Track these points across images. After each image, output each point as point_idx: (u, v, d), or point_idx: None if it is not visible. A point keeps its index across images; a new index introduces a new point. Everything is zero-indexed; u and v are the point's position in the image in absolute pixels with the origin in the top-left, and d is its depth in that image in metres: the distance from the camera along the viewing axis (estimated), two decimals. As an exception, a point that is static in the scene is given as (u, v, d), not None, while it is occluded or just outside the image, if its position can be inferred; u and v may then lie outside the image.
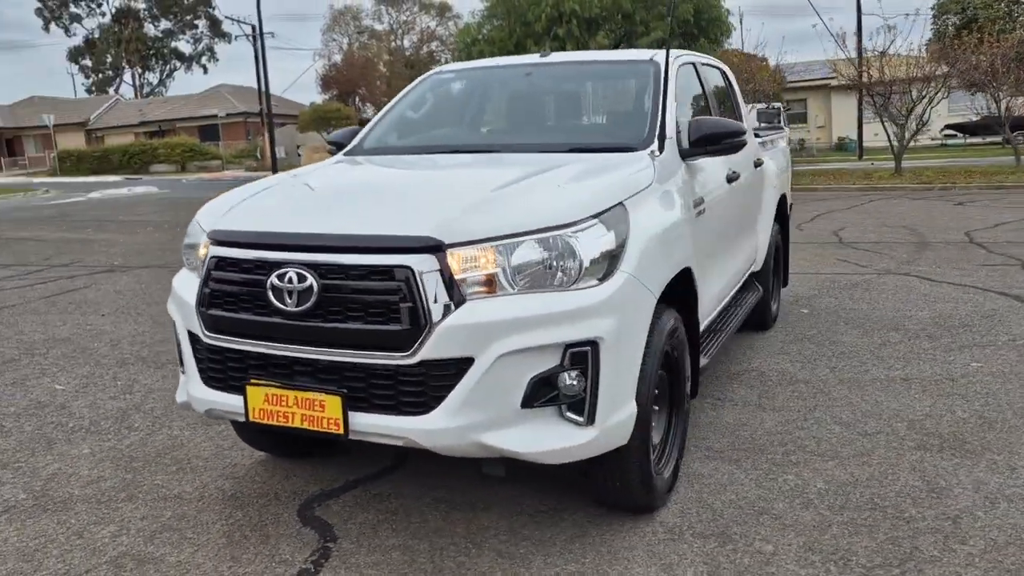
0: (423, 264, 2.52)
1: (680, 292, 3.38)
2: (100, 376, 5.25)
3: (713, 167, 3.98)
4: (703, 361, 3.82)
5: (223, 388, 2.84)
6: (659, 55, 4.04)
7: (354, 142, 4.18)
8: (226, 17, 66.88)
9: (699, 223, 3.64)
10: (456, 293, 2.52)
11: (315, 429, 2.65)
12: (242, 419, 2.78)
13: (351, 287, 2.57)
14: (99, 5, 68.75)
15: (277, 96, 47.33)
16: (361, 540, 3.03)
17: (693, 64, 4.40)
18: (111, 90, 67.25)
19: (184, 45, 71.55)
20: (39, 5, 67.11)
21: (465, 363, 2.51)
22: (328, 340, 2.61)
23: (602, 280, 2.67)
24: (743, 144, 3.73)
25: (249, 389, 2.73)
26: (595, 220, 2.72)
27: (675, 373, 3.32)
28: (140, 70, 70.67)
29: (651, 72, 3.88)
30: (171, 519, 3.22)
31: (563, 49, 26.36)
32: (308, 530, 3.12)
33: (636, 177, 3.12)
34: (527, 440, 2.58)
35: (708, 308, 3.91)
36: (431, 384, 2.54)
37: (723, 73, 5.15)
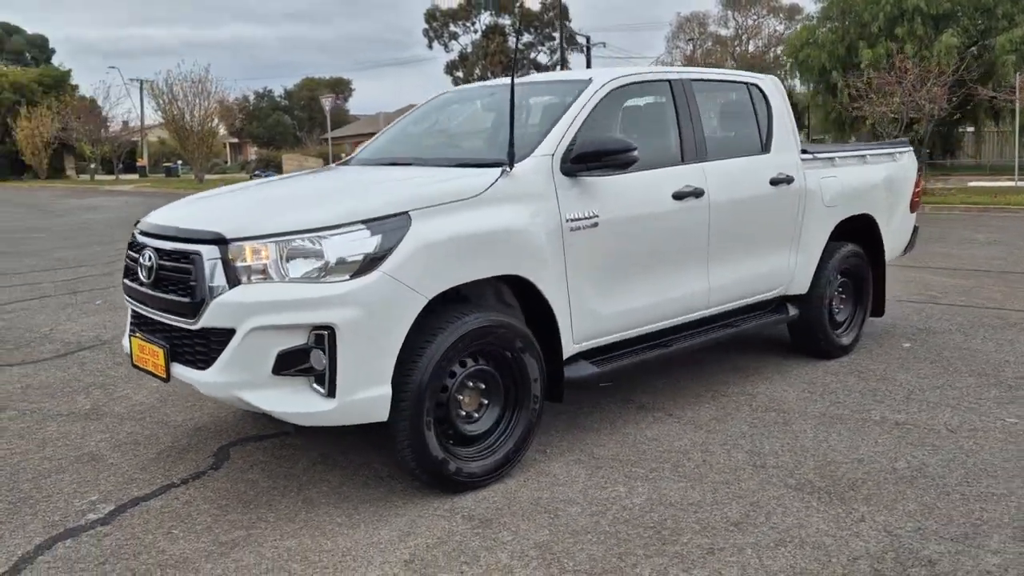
0: (209, 253, 3.22)
1: (533, 299, 3.67)
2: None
3: (634, 183, 4.08)
4: (592, 369, 3.98)
5: (130, 338, 3.79)
6: (599, 74, 4.24)
7: (354, 152, 4.93)
8: (572, 31, 70.80)
9: (584, 237, 3.82)
10: (233, 277, 3.18)
11: (155, 373, 3.49)
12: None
13: (169, 266, 3.37)
14: (472, 23, 76.81)
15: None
16: (233, 472, 3.81)
17: (640, 83, 4.46)
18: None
19: (542, 56, 77.25)
20: (426, 26, 76.81)
21: (230, 333, 3.16)
22: (159, 305, 3.43)
23: (353, 276, 3.14)
24: (630, 161, 3.82)
25: (133, 340, 3.65)
26: (361, 225, 3.20)
27: (508, 372, 3.61)
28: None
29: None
30: (131, 435, 4.28)
31: (901, 51, 24.29)
32: (211, 458, 3.97)
33: (450, 188, 3.49)
34: (278, 401, 3.17)
35: (610, 321, 4.04)
36: (210, 346, 3.23)
37: (752, 89, 5.02)
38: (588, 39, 38.06)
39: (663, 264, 4.28)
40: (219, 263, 3.20)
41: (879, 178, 5.75)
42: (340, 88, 67.95)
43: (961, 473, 3.64)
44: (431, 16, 75.62)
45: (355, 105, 78.71)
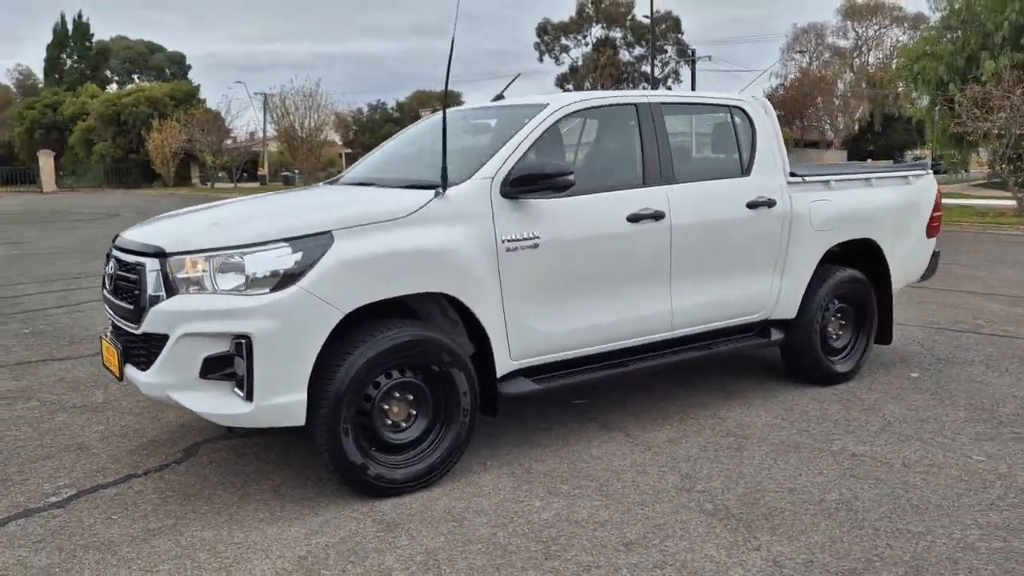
0: (152, 265, 3.54)
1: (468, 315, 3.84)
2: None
3: (581, 205, 4.17)
4: (532, 386, 4.10)
5: (101, 340, 4.17)
6: (555, 100, 4.36)
7: (342, 173, 5.21)
8: (684, 44, 69.87)
9: (523, 257, 3.95)
10: (170, 288, 3.49)
11: (113, 372, 3.84)
12: (106, 363, 4.09)
13: (123, 276, 3.71)
14: (584, 37, 77.05)
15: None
16: (194, 467, 4.13)
17: (598, 108, 4.53)
18: (584, 112, 75.03)
19: (651, 69, 76.60)
20: (537, 40, 77.58)
21: (165, 338, 3.47)
22: (116, 311, 3.78)
23: (273, 290, 3.39)
24: (566, 184, 3.93)
25: (103, 341, 4.03)
26: (283, 243, 3.45)
27: (438, 385, 3.78)
28: (621, 93, 77.80)
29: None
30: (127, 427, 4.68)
31: (1025, 64, 22.93)
32: (180, 452, 4.31)
33: (378, 210, 3.69)
34: (204, 402, 3.45)
35: (554, 340, 4.14)
36: (150, 349, 3.54)
37: (736, 112, 5.01)
38: (693, 52, 37.54)
39: (616, 285, 4.33)
40: (159, 274, 3.52)
41: (886, 202, 5.58)
42: (450, 101, 69.45)
43: (889, 508, 3.54)
44: (542, 30, 76.40)
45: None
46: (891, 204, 5.61)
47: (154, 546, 3.28)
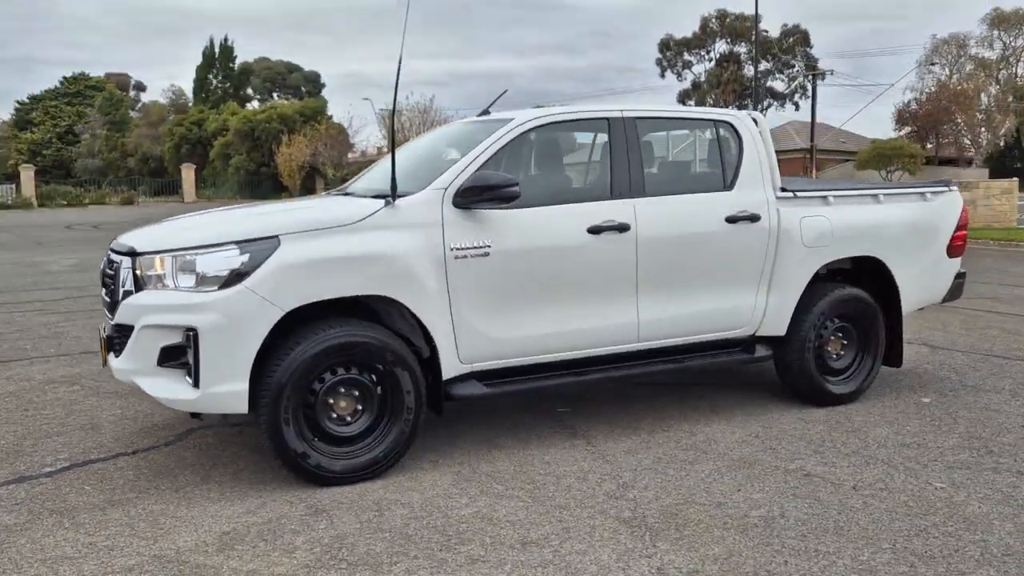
0: (126, 263, 3.94)
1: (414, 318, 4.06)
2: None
3: (536, 216, 4.31)
4: (482, 389, 4.26)
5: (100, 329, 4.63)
6: (520, 115, 4.53)
7: (349, 183, 5.52)
8: (812, 59, 67.65)
9: (472, 265, 4.13)
10: (139, 284, 3.88)
11: (102, 359, 4.27)
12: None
13: (106, 273, 4.14)
14: (707, 52, 75.84)
15: (847, 132, 46.84)
16: (177, 449, 4.53)
17: (564, 123, 4.64)
18: (706, 127, 73.86)
19: (779, 84, 74.53)
20: (659, 56, 76.97)
21: (130, 328, 3.86)
22: (105, 304, 4.21)
23: (221, 288, 3.72)
24: (512, 196, 4.08)
25: (100, 330, 4.49)
26: (233, 246, 3.77)
27: (383, 384, 4.01)
28: (735, 108, 76.20)
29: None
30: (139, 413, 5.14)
31: None
32: (173, 436, 4.72)
33: (327, 216, 3.97)
34: (160, 388, 3.80)
35: (506, 345, 4.28)
36: (122, 339, 3.94)
37: (722, 127, 5.00)
38: (815, 66, 36.31)
39: (574, 294, 4.43)
40: (130, 272, 3.92)
41: (895, 219, 5.40)
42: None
43: (810, 528, 3.49)
44: (664, 46, 75.73)
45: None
46: (901, 222, 5.42)
47: (107, 515, 3.66)
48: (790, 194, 5.06)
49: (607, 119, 4.66)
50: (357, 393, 4.01)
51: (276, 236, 3.83)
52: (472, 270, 4.14)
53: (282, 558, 3.24)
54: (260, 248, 3.78)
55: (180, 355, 3.77)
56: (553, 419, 5.02)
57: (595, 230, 4.43)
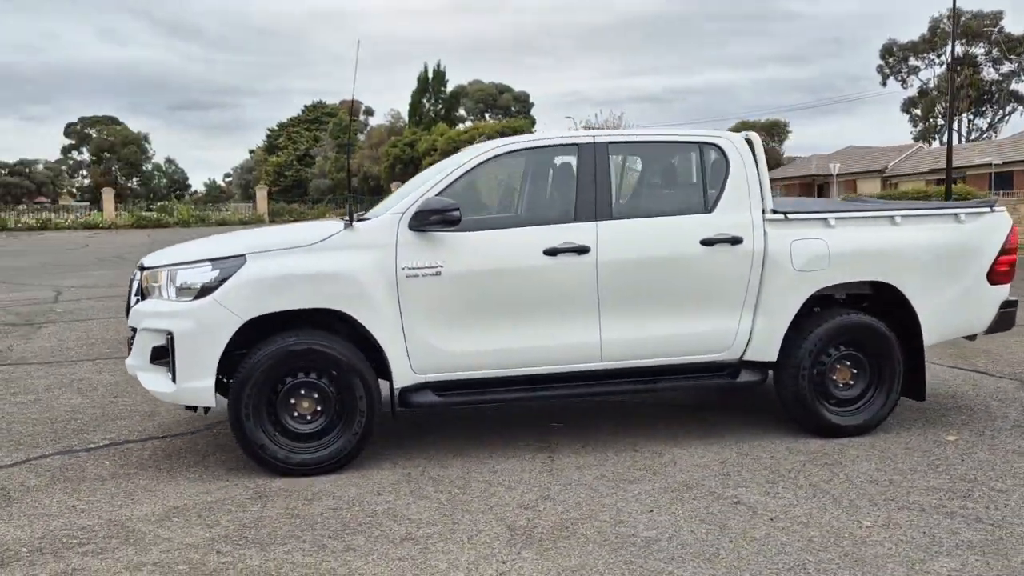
0: (138, 276, 4.70)
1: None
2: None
3: (490, 239, 4.60)
4: (434, 399, 4.61)
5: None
6: (487, 145, 4.83)
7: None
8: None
9: (423, 283, 4.50)
10: (144, 293, 4.62)
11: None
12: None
13: (130, 284, 4.92)
14: (938, 55, 69.92)
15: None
16: (178, 442, 5.26)
17: (529, 150, 4.84)
18: (936, 137, 68.07)
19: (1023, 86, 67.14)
20: (880, 63, 72.01)
21: (135, 331, 4.60)
22: (125, 310, 5.00)
23: (195, 298, 4.35)
24: (454, 220, 4.39)
25: (139, 332, 5.31)
26: (207, 262, 4.40)
27: (340, 389, 4.48)
28: (971, 115, 69.49)
29: None
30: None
31: None
32: (204, 426, 5.47)
33: (291, 238, 4.50)
34: (151, 382, 4.49)
35: (460, 359, 4.59)
36: (132, 339, 4.70)
37: (706, 149, 4.99)
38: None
39: (530, 313, 4.64)
40: (139, 283, 4.67)
41: (915, 243, 5.06)
42: (776, 131, 67.22)
43: (687, 552, 3.49)
44: (887, 51, 70.76)
45: (794, 147, 76.99)
46: (924, 245, 5.07)
47: (104, 485, 4.39)
48: (781, 216, 4.94)
49: (576, 144, 4.83)
50: (316, 395, 4.49)
51: (243, 255, 4.41)
52: (424, 288, 4.50)
53: (200, 531, 3.78)
54: (228, 265, 4.39)
55: (165, 354, 4.45)
56: (536, 433, 5.22)
57: (552, 252, 4.62)
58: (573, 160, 4.82)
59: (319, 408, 4.51)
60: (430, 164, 52.00)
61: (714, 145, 5.00)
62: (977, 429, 5.19)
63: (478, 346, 4.61)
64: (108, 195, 47.77)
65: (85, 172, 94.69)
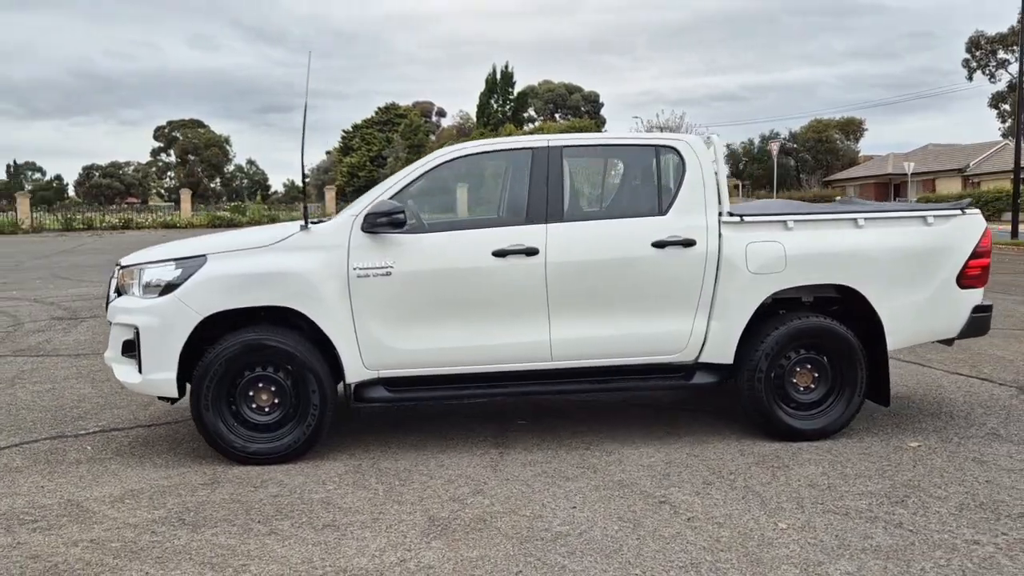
0: (116, 273, 5.02)
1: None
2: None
3: (440, 241, 4.75)
4: (385, 393, 4.79)
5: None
6: (444, 150, 4.97)
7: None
8: None
9: (374, 283, 4.68)
10: (120, 291, 4.94)
11: (111, 355, 5.39)
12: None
13: (110, 281, 5.25)
14: (1029, 47, 66.78)
15: None
16: (162, 429, 5.57)
17: (481, 155, 4.96)
18: None
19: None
20: (966, 56, 69.20)
21: (111, 325, 4.92)
22: (105, 305, 5.34)
23: (160, 295, 4.64)
24: (399, 222, 4.57)
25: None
26: (171, 262, 4.69)
27: (295, 383, 4.70)
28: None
29: None
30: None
31: None
32: (175, 419, 5.78)
33: (251, 239, 4.74)
34: (122, 373, 4.79)
35: (410, 356, 4.76)
36: (109, 333, 5.02)
37: (663, 152, 5.04)
38: None
39: (479, 313, 4.77)
40: (116, 281, 4.99)
41: (878, 246, 5.00)
42: (851, 128, 65.24)
43: (590, 547, 3.57)
44: (974, 44, 67.90)
45: (873, 145, 74.69)
46: (887, 248, 5.00)
47: (77, 469, 4.72)
48: (737, 219, 4.94)
49: (531, 149, 4.94)
50: (274, 389, 4.73)
51: (204, 255, 4.68)
52: (374, 288, 4.68)
53: (145, 512, 4.05)
54: (190, 265, 4.66)
55: (133, 348, 4.75)
56: (497, 430, 5.35)
57: (501, 253, 4.75)
58: (527, 165, 4.93)
59: (276, 401, 4.74)
60: (491, 165, 52.16)
61: (671, 148, 5.04)
62: (946, 436, 5.09)
63: (428, 344, 4.76)
64: (186, 196, 49.66)
65: (171, 174, 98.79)
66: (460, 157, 4.97)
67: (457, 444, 5.07)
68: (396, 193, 4.81)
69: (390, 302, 4.71)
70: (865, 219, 5.04)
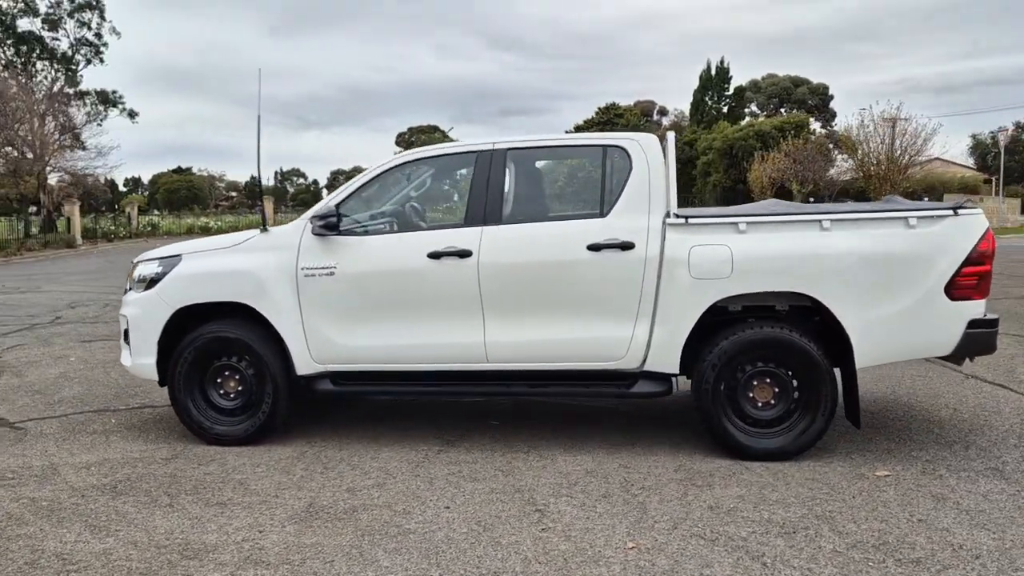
0: (130, 268, 5.73)
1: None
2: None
3: (379, 243, 4.96)
4: (329, 387, 5.09)
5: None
6: (394, 157, 5.17)
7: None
8: None
9: (319, 283, 4.99)
10: (131, 285, 5.63)
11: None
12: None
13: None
14: None
15: None
16: (153, 410, 6.22)
17: (421, 160, 5.04)
18: None
19: None
20: None
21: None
22: None
23: (145, 290, 5.25)
24: (331, 224, 4.83)
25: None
26: (156, 260, 5.28)
27: (254, 371, 5.13)
28: None
29: None
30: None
31: None
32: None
33: (218, 241, 5.21)
34: (123, 357, 5.47)
35: (353, 352, 5.00)
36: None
37: (611, 152, 4.89)
38: None
39: (416, 313, 4.90)
40: (129, 276, 5.70)
41: (845, 250, 4.51)
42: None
43: (425, 547, 3.62)
44: None
45: None
46: (855, 253, 4.51)
47: (69, 441, 5.40)
48: (682, 220, 4.69)
49: (475, 152, 4.99)
50: (238, 377, 5.18)
51: (179, 255, 5.23)
52: (320, 287, 4.98)
53: (93, 479, 4.63)
54: (169, 262, 5.23)
55: (128, 336, 5.41)
56: (456, 429, 5.44)
57: (435, 255, 4.86)
58: (471, 168, 4.99)
59: (240, 388, 5.19)
60: (705, 163, 50.44)
61: (619, 147, 4.88)
62: (922, 467, 4.50)
63: (370, 341, 4.98)
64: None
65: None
66: (409, 162, 5.14)
67: (407, 440, 5.24)
68: (345, 197, 5.08)
69: (335, 301, 4.98)
70: (832, 221, 4.56)
